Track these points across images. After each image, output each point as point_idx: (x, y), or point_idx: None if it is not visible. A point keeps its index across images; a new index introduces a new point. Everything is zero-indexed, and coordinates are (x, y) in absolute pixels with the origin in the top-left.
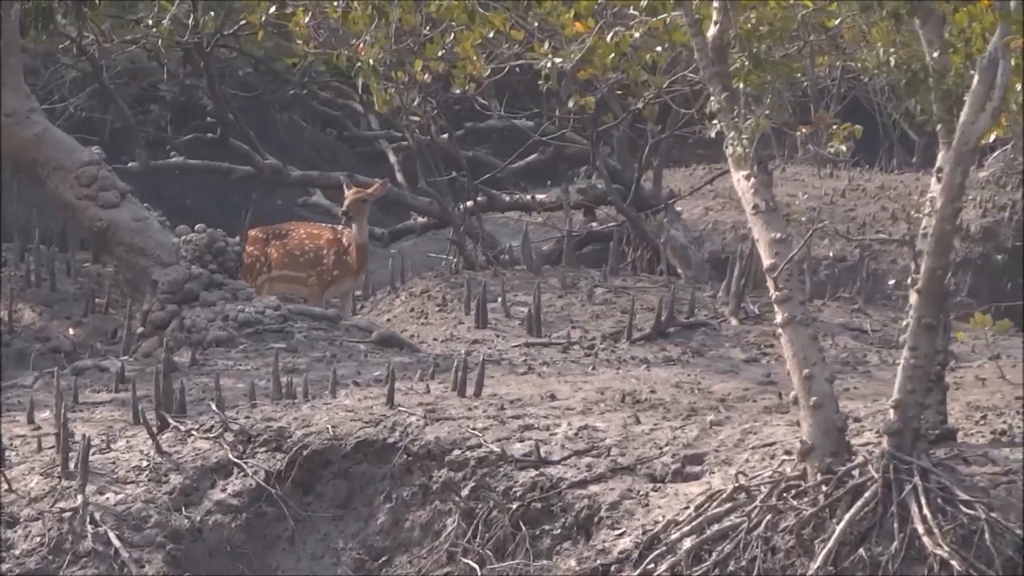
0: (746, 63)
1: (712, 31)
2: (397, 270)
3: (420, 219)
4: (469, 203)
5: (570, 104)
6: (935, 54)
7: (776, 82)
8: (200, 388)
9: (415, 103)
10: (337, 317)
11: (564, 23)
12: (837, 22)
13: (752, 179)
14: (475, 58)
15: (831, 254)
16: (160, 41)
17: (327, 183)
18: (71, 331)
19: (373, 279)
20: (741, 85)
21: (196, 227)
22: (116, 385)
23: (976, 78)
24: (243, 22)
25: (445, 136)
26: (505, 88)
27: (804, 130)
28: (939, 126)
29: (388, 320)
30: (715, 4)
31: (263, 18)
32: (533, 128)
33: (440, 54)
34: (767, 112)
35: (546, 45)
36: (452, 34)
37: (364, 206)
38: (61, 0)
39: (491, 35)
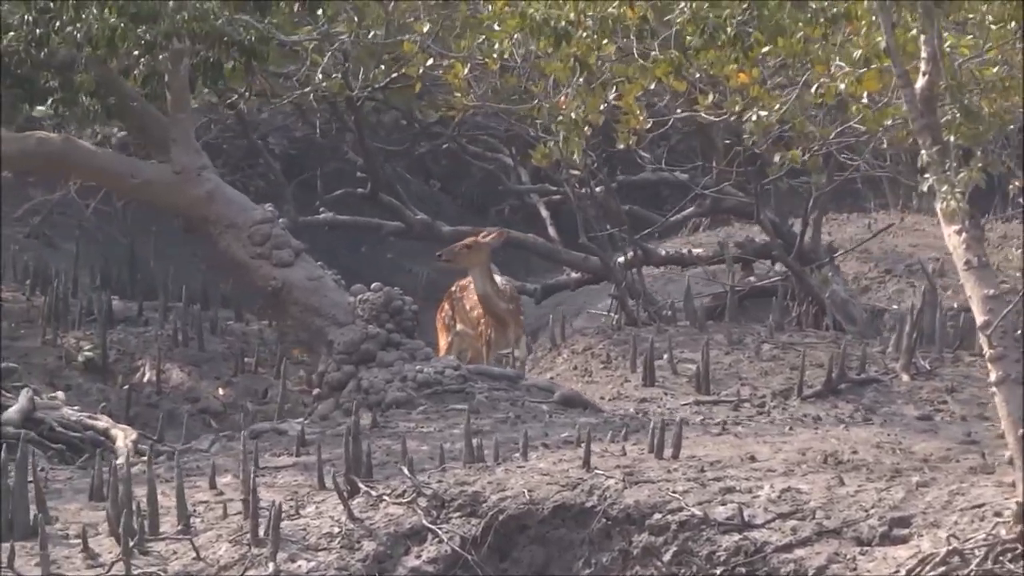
0: (957, 115)
1: (921, 82)
2: (557, 327)
3: (574, 274)
4: (623, 257)
5: (776, 159)
6: None
7: (989, 133)
8: (384, 451)
9: (574, 156)
10: (518, 376)
11: (728, 74)
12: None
13: (964, 234)
14: (637, 111)
15: (955, 304)
16: (312, 96)
17: None
18: (220, 391)
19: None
20: (952, 137)
21: (372, 286)
22: (297, 449)
23: None
24: (394, 75)
25: (599, 189)
26: (660, 141)
27: (1018, 183)
28: None
29: (551, 378)
30: (923, 55)
31: (420, 71)
32: (688, 181)
33: (602, 107)
34: (980, 165)
35: (710, 98)
36: (614, 87)
37: (470, 254)
38: (230, 54)
39: (652, 87)
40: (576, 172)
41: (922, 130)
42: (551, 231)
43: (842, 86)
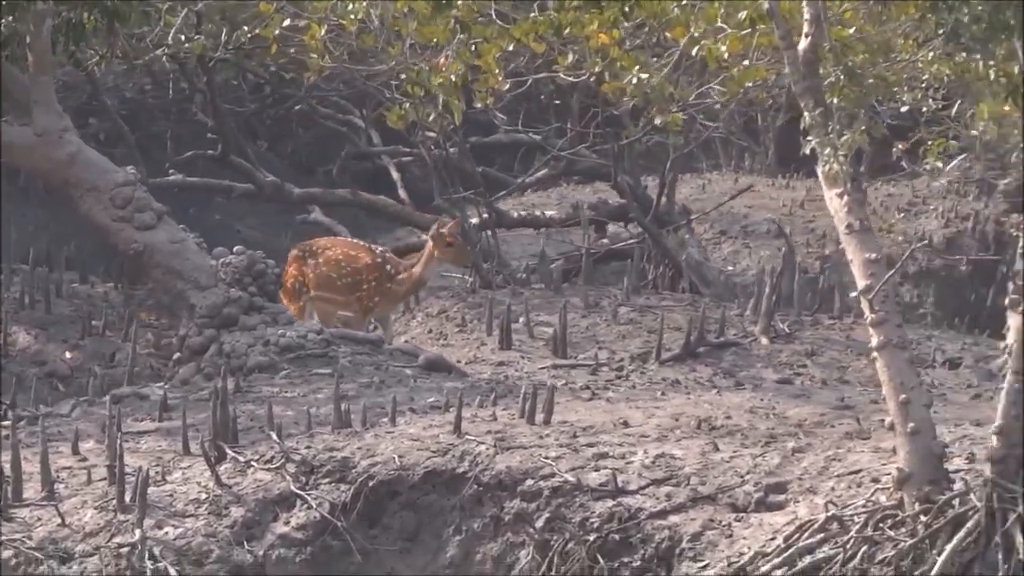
0: (841, 77)
1: (803, 44)
2: None
3: (424, 236)
4: (476, 219)
5: (657, 121)
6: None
7: (872, 96)
8: (248, 416)
9: (431, 118)
10: (380, 341)
11: (588, 34)
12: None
13: (846, 197)
14: (496, 71)
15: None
16: (164, 57)
17: (329, 201)
18: (68, 355)
19: None
20: (835, 100)
21: (235, 249)
22: (160, 414)
23: None
24: (250, 36)
25: (453, 151)
26: (519, 103)
27: (901, 146)
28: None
29: (406, 341)
30: (806, 16)
31: (276, 32)
32: (538, 144)
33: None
34: (864, 127)
35: (569, 57)
36: (473, 46)
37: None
38: (91, 16)
39: (511, 48)
40: (432, 134)
41: (804, 92)
42: (401, 193)
43: (723, 48)
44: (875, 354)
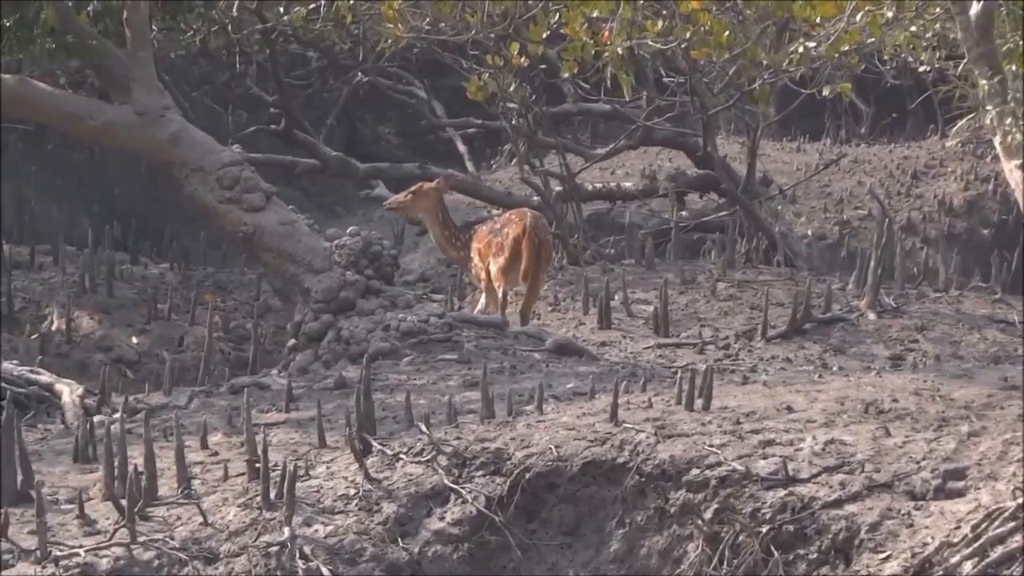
0: (1019, 43)
1: (975, 8)
2: None
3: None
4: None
5: (826, 92)
6: None
7: None
8: (379, 405)
9: (511, 88)
10: (504, 323)
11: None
12: None
13: None
14: (584, 39)
15: (810, 232)
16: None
17: (395, 175)
18: (134, 339)
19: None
20: (1013, 67)
21: (349, 230)
22: (286, 404)
23: None
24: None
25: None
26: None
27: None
28: None
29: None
30: None
31: (352, 1)
32: (610, 113)
33: (544, 36)
34: None
35: (659, 24)
36: (558, 14)
37: (416, 202)
38: None
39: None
40: (513, 105)
41: (978, 59)
42: (469, 166)
43: (889, 14)
44: None
